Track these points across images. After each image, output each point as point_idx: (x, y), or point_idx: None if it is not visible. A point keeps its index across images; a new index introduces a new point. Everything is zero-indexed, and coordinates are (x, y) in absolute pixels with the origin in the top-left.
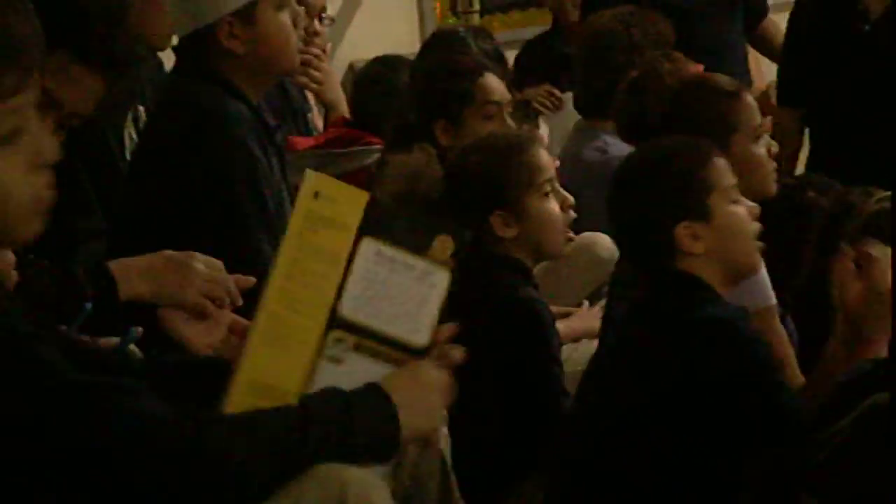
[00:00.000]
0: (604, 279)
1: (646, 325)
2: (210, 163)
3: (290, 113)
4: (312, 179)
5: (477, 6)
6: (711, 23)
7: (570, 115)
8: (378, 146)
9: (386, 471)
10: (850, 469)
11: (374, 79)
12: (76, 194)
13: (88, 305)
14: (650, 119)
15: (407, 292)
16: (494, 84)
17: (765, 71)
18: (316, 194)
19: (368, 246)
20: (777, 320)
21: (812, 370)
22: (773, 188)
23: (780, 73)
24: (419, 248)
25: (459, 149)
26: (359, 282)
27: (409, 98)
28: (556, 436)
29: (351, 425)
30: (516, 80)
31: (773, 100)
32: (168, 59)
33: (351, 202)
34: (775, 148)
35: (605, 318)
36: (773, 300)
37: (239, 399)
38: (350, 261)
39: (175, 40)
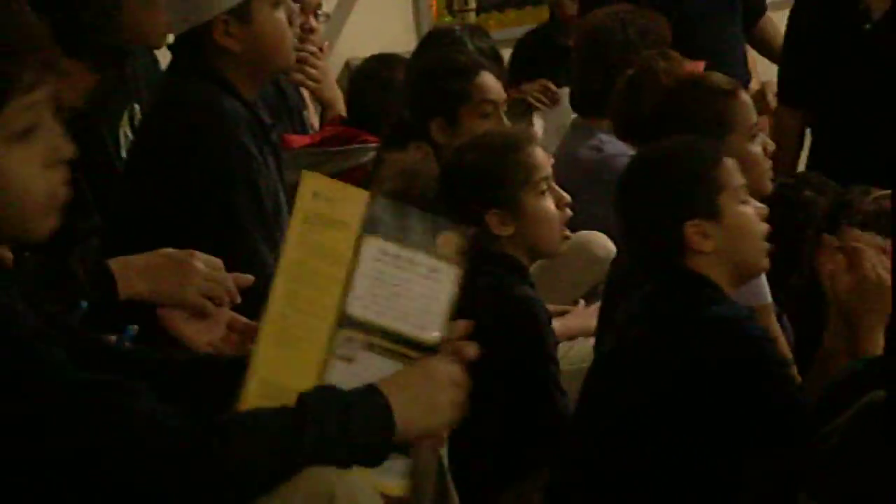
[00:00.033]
0: (600, 278)
1: (652, 323)
2: (206, 161)
3: (285, 111)
4: (310, 180)
5: (473, 4)
6: (710, 21)
7: (566, 111)
8: (374, 144)
9: (403, 471)
10: (848, 467)
11: (370, 77)
12: (72, 192)
13: (84, 304)
14: (646, 117)
15: (415, 289)
16: (491, 83)
17: (760, 70)
18: (314, 194)
19: (372, 244)
20: (773, 319)
21: (808, 369)
22: (769, 187)
23: (780, 72)
24: (423, 245)
25: (455, 147)
26: (365, 280)
27: (405, 96)
28: (556, 434)
29: (346, 426)
30: (513, 74)
31: (770, 98)
32: (164, 57)
33: (350, 201)
34: (771, 146)
35: (601, 317)
36: (769, 298)
37: (252, 400)
38: (354, 259)
39: (171, 38)
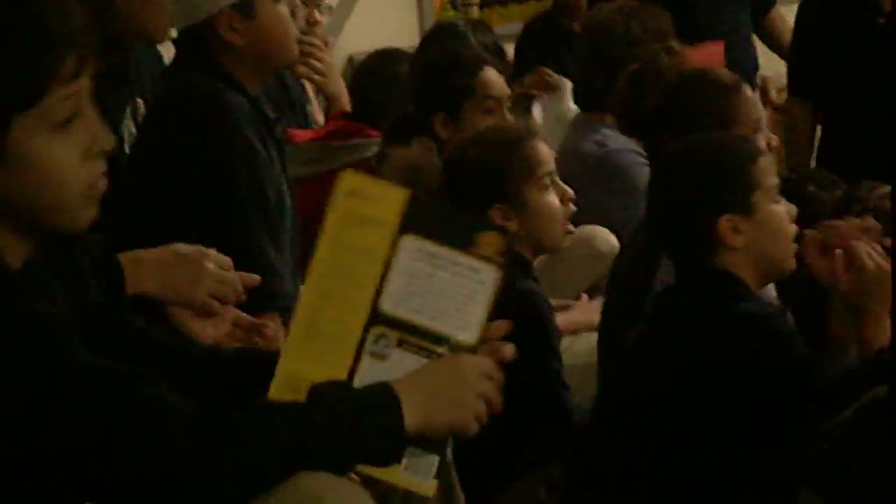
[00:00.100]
0: (603, 272)
1: (679, 318)
2: (211, 156)
3: (289, 106)
4: (348, 178)
5: None
6: (719, 9)
7: (566, 100)
8: (377, 139)
9: (433, 471)
10: (851, 463)
11: (373, 71)
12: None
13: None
14: (649, 112)
15: (452, 289)
16: (494, 78)
17: (763, 64)
18: (351, 193)
19: (410, 242)
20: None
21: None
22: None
23: (789, 64)
24: (463, 244)
25: (458, 142)
26: (400, 278)
27: (408, 91)
28: (559, 429)
29: (354, 424)
30: (519, 59)
31: (772, 94)
32: (167, 52)
33: (387, 199)
34: (774, 141)
35: (604, 312)
36: (773, 293)
37: (278, 394)
38: (390, 257)
39: (174, 33)
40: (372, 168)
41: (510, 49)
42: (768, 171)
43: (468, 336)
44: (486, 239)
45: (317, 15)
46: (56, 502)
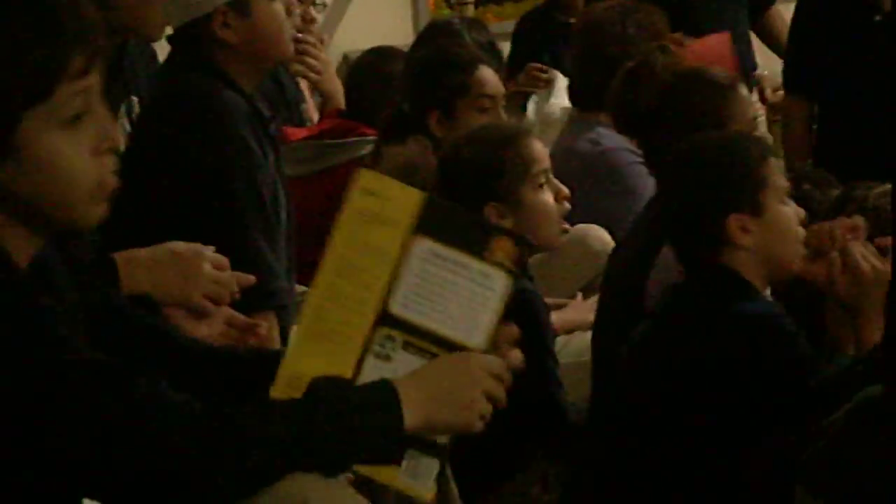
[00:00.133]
0: (597, 271)
1: (684, 316)
2: (207, 154)
3: (283, 104)
4: (363, 177)
5: None
6: (717, 11)
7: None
8: (372, 137)
9: (432, 475)
10: (846, 462)
11: (368, 70)
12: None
13: None
14: (644, 111)
15: (463, 293)
16: (489, 77)
17: (762, 62)
18: (366, 191)
19: (422, 245)
20: None
21: None
22: None
23: (786, 60)
24: (475, 249)
25: (452, 140)
26: (410, 280)
27: (403, 89)
28: (553, 428)
29: (354, 424)
30: (515, 53)
31: (768, 93)
32: (161, 50)
33: (402, 200)
34: (769, 141)
35: (599, 310)
36: (767, 293)
37: (281, 392)
38: (402, 259)
39: (169, 31)
40: (366, 166)
41: (505, 47)
42: (779, 171)
43: (476, 342)
44: (499, 245)
45: (313, 12)
46: (56, 499)
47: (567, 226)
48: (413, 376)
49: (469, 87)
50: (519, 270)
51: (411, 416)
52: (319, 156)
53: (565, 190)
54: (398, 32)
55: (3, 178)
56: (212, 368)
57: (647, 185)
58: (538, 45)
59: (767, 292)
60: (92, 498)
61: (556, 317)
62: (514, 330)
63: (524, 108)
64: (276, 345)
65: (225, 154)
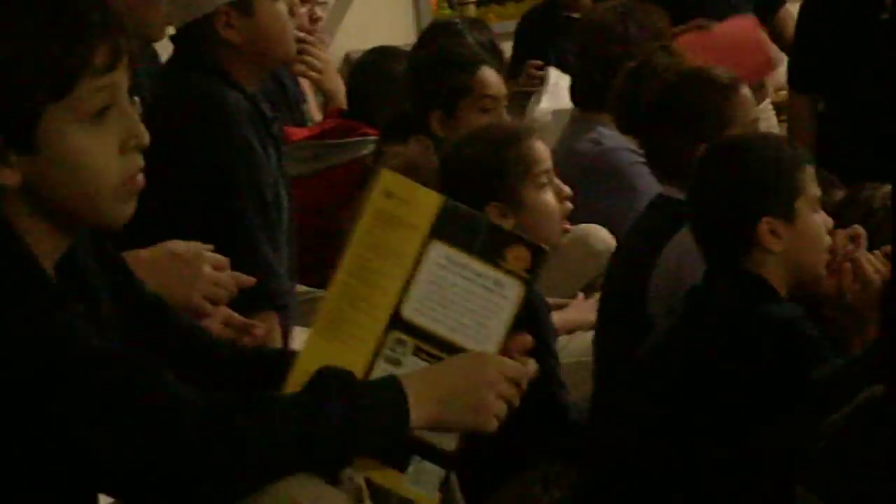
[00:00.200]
0: (599, 271)
1: (707, 319)
2: (209, 155)
3: (285, 104)
4: (385, 178)
5: None
6: (724, 10)
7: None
8: (373, 138)
9: (437, 483)
10: (847, 461)
11: (369, 69)
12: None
13: None
14: (646, 110)
15: (476, 301)
16: (492, 78)
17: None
18: (387, 193)
19: (438, 250)
20: None
21: None
22: None
23: (791, 58)
24: (491, 257)
25: (454, 140)
26: (425, 285)
27: (405, 89)
28: (555, 427)
29: (359, 422)
30: (518, 49)
31: (769, 91)
32: (164, 50)
33: (422, 203)
34: None
35: (600, 310)
36: None
37: (292, 391)
38: (417, 263)
39: (171, 30)
40: (368, 166)
41: (507, 47)
42: (813, 180)
43: (486, 350)
44: (515, 253)
45: (318, 11)
46: (65, 492)
47: (569, 226)
48: (424, 373)
49: (471, 88)
50: (533, 278)
51: (418, 414)
52: (320, 155)
53: (567, 190)
54: (400, 32)
55: (28, 175)
56: (225, 368)
57: (648, 184)
58: (541, 43)
59: None
60: (101, 491)
61: (557, 317)
62: (527, 339)
63: (524, 108)
64: (278, 345)
65: (227, 154)
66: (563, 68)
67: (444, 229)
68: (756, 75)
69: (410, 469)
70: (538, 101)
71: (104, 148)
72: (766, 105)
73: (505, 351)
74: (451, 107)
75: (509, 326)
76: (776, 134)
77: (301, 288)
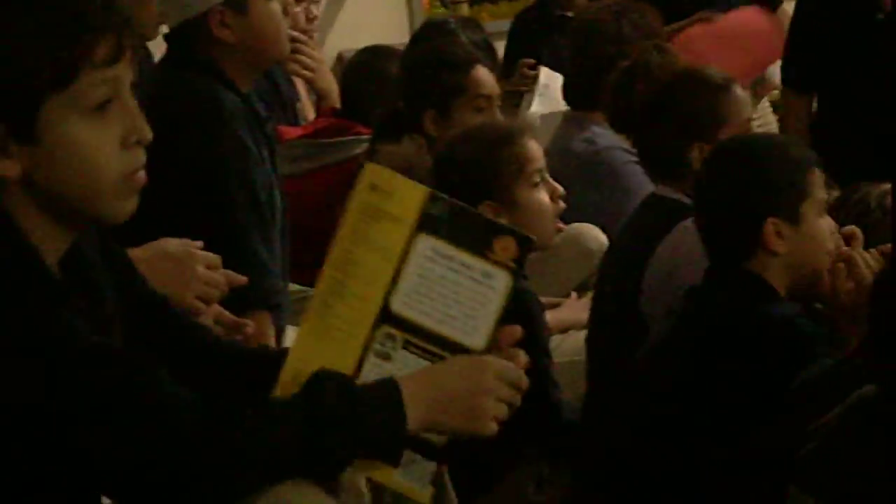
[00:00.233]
0: (592, 270)
1: (707, 320)
2: (203, 154)
3: (279, 104)
4: (370, 172)
5: None
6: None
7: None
8: (366, 137)
9: (429, 478)
10: (839, 461)
11: (363, 69)
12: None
13: None
14: (640, 109)
15: (464, 292)
16: (485, 77)
17: None
18: (373, 187)
19: (424, 242)
20: None
21: None
22: None
23: (785, 56)
24: (478, 248)
25: (447, 139)
26: (412, 278)
27: (398, 88)
28: (548, 427)
29: (357, 424)
30: (509, 52)
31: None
32: (157, 49)
33: (408, 196)
34: None
35: (593, 309)
36: None
37: (285, 390)
38: (404, 256)
39: (164, 29)
40: (360, 165)
41: (500, 46)
42: (821, 183)
43: (475, 341)
44: (502, 244)
45: (314, 10)
46: (66, 492)
47: (562, 225)
48: (421, 375)
49: (465, 87)
50: (519, 269)
51: (415, 417)
52: (314, 154)
53: (560, 189)
54: (393, 31)
55: (28, 167)
56: (219, 366)
57: (641, 184)
58: (535, 42)
59: None
60: (100, 491)
61: (550, 316)
62: (516, 331)
63: (517, 107)
64: (271, 344)
65: (221, 153)
66: (557, 67)
67: (431, 222)
68: (767, 64)
69: (402, 463)
70: (528, 104)
71: (105, 141)
72: (765, 104)
73: (494, 342)
74: (445, 106)
75: (498, 318)
76: (784, 135)
77: (294, 287)
